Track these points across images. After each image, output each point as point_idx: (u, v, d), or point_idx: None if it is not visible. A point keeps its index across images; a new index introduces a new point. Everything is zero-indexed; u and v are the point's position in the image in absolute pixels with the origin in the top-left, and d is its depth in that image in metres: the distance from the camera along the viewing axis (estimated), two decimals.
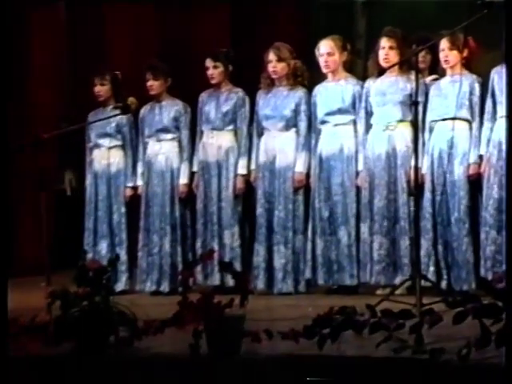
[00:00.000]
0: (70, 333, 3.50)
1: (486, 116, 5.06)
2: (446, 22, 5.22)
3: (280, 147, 5.51)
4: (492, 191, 4.97)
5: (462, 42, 5.01)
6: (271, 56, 5.52)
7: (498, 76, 4.99)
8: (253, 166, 5.60)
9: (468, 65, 5.13)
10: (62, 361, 3.47)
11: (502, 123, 4.95)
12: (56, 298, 3.56)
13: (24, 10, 7.09)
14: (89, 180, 6.01)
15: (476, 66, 5.16)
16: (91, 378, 3.43)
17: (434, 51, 5.16)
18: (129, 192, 5.89)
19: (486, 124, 5.06)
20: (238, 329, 3.35)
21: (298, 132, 5.51)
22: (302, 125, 5.50)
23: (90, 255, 5.76)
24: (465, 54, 5.08)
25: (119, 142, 5.93)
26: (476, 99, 5.09)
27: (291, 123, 5.51)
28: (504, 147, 4.93)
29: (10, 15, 6.83)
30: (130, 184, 5.89)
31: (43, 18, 7.22)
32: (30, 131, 6.68)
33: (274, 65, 5.51)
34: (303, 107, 5.49)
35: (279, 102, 5.53)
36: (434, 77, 5.25)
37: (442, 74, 5.19)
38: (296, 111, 5.50)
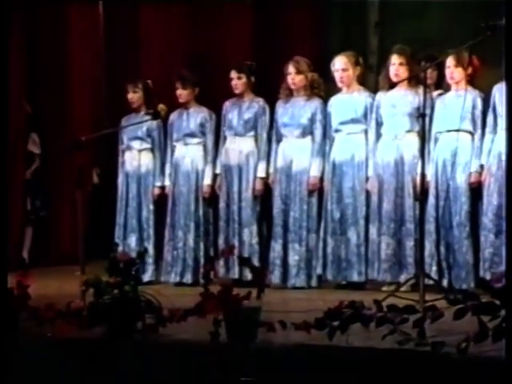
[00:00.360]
0: (102, 318, 3.51)
1: (488, 129, 5.03)
2: (452, 42, 5.22)
3: (296, 153, 5.50)
4: (491, 198, 4.93)
5: (466, 61, 5.00)
6: (290, 69, 5.51)
7: (499, 92, 4.96)
8: (271, 170, 5.59)
9: (472, 81, 5.10)
10: (94, 343, 3.49)
11: (502, 135, 4.91)
12: (89, 286, 3.56)
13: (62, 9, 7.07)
14: (120, 179, 6.01)
15: (479, 82, 5.13)
16: (120, 359, 3.44)
17: (440, 68, 5.14)
18: (157, 191, 5.88)
19: (488, 136, 5.03)
20: (254, 319, 3.35)
21: (313, 139, 5.49)
22: (318, 133, 5.49)
23: (120, 248, 5.77)
24: (469, 71, 5.06)
25: (149, 145, 5.93)
26: (478, 113, 5.06)
27: (307, 131, 5.50)
28: (503, 157, 4.89)
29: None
30: (158, 184, 5.89)
31: (82, 17, 7.13)
32: (69, 132, 6.73)
33: (293, 77, 5.50)
34: (319, 116, 5.48)
35: (297, 111, 5.52)
36: (439, 91, 5.22)
37: (446, 89, 5.17)
38: (312, 120, 5.48)
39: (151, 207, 5.90)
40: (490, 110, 5.02)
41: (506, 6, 3.47)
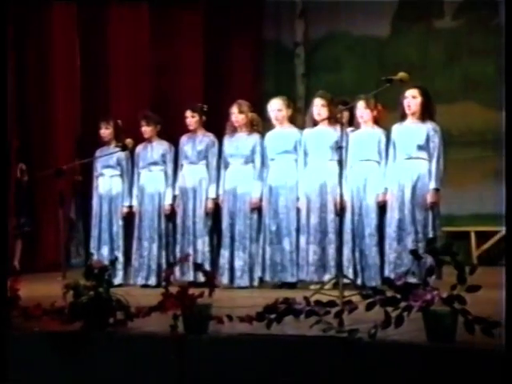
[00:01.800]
0: (80, 315, 3.46)
1: (390, 158, 5.10)
2: (362, 90, 5.35)
3: (241, 178, 5.51)
4: (394, 213, 4.99)
5: (373, 105, 5.10)
6: (234, 109, 5.53)
7: (396, 130, 5.06)
8: (220, 192, 5.59)
9: (377, 121, 5.18)
10: (74, 336, 3.44)
11: (400, 163, 5.01)
12: (70, 288, 3.50)
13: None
14: (95, 200, 5.95)
15: (382, 122, 5.22)
16: (95, 349, 3.40)
17: (352, 110, 5.20)
18: (125, 210, 5.85)
19: (389, 164, 5.10)
20: (206, 314, 3.33)
21: (254, 166, 5.51)
22: (257, 161, 5.50)
23: (95, 257, 5.72)
24: (375, 113, 5.15)
25: (118, 172, 5.89)
26: (383, 146, 5.12)
27: (249, 160, 5.51)
28: (401, 182, 4.99)
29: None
30: (127, 203, 5.85)
31: (62, 64, 6.95)
32: (52, 161, 6.58)
33: (236, 116, 5.52)
34: (258, 148, 5.50)
35: (240, 144, 5.54)
36: (352, 128, 5.28)
37: (357, 126, 5.23)
38: (253, 151, 5.50)
39: (120, 223, 5.86)
40: (391, 144, 5.09)
41: (506, 6, 3.42)
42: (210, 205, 5.61)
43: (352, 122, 5.31)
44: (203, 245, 5.58)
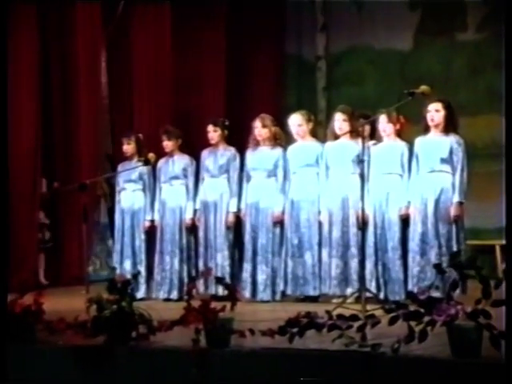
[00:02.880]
0: (103, 329, 3.49)
1: (412, 172, 5.08)
2: (384, 104, 5.35)
3: (263, 191, 5.53)
4: (416, 227, 4.97)
5: (395, 118, 5.11)
6: (257, 123, 5.56)
7: (419, 143, 5.05)
8: (243, 205, 5.59)
9: (399, 134, 5.18)
10: (97, 349, 3.47)
11: (423, 176, 4.99)
12: (93, 302, 3.55)
13: None
14: (117, 214, 6.00)
15: (405, 135, 5.22)
16: (118, 362, 3.42)
17: (373, 123, 5.19)
18: (147, 224, 5.88)
19: (412, 177, 5.08)
20: (228, 327, 3.34)
21: (276, 180, 5.53)
22: (280, 175, 5.52)
23: (117, 271, 5.76)
24: (397, 126, 5.15)
25: (140, 187, 5.93)
26: (405, 159, 5.11)
27: (272, 173, 5.53)
28: (424, 195, 4.98)
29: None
30: (149, 218, 5.88)
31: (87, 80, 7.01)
32: (76, 176, 6.68)
33: (260, 130, 5.55)
34: (280, 162, 5.51)
35: (263, 157, 5.55)
36: (373, 142, 5.28)
37: (378, 140, 5.24)
38: (275, 165, 5.51)
39: (143, 237, 5.89)
40: (414, 157, 5.07)
41: (505, 6, 3.43)
42: (231, 218, 5.62)
43: (373, 135, 5.31)
44: (223, 259, 5.59)
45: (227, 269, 5.57)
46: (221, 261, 5.58)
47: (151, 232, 5.89)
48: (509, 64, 3.15)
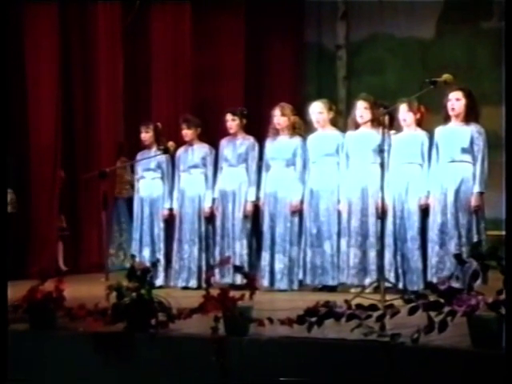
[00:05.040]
0: (123, 316, 3.52)
1: (432, 161, 5.04)
2: (404, 93, 5.30)
3: (282, 180, 5.50)
4: (436, 217, 4.93)
5: (415, 107, 5.06)
6: (276, 112, 5.53)
7: (440, 133, 5.01)
8: (261, 194, 5.58)
9: (419, 124, 5.13)
10: (117, 336, 3.50)
11: (444, 166, 4.95)
12: (113, 290, 3.58)
13: None
14: (136, 202, 6.02)
15: (425, 124, 5.17)
16: (137, 349, 3.45)
17: (392, 113, 5.12)
18: (166, 212, 5.88)
19: (432, 167, 5.04)
20: (247, 316, 3.35)
21: (295, 169, 5.50)
22: (299, 164, 5.49)
23: (137, 259, 5.80)
24: (418, 116, 5.10)
25: (159, 175, 5.94)
26: (425, 149, 5.07)
27: (290, 163, 5.50)
28: (444, 185, 4.93)
29: None
30: (167, 206, 5.88)
31: (105, 64, 6.98)
32: (95, 164, 6.68)
33: (279, 119, 5.52)
34: (299, 151, 5.49)
35: (282, 147, 5.53)
36: (393, 131, 5.23)
37: (398, 129, 5.19)
38: (294, 154, 5.49)
39: (161, 225, 5.90)
40: (434, 146, 5.04)
41: (505, 6, 3.40)
42: (249, 208, 5.62)
43: (392, 124, 5.26)
44: (241, 247, 5.59)
45: (245, 258, 5.57)
46: (239, 250, 5.58)
47: (170, 220, 5.90)
48: (509, 58, 3.11)
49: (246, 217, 5.61)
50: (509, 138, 3.00)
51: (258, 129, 5.84)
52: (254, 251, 5.60)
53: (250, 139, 5.73)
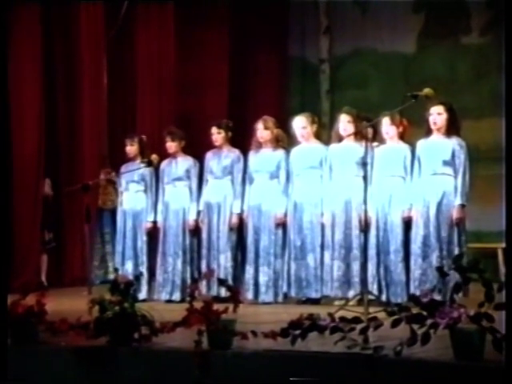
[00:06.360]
0: (106, 330, 3.49)
1: (415, 174, 5.08)
2: (387, 106, 5.35)
3: (266, 193, 5.53)
4: (418, 229, 4.97)
5: (398, 121, 5.12)
6: (259, 125, 5.56)
7: (421, 146, 5.05)
8: (245, 207, 5.60)
9: (402, 137, 5.18)
10: (99, 350, 3.48)
11: (426, 179, 4.99)
12: (95, 303, 3.55)
13: None
14: (119, 215, 6.01)
15: (408, 137, 5.21)
16: (120, 363, 3.42)
17: (374, 126, 5.16)
18: (149, 225, 5.88)
19: (414, 179, 5.08)
20: (230, 329, 3.34)
21: (279, 182, 5.53)
22: (282, 177, 5.52)
23: (120, 272, 5.75)
24: (400, 129, 5.15)
25: (143, 188, 5.94)
26: (408, 162, 5.11)
27: (274, 175, 5.53)
28: (426, 198, 4.97)
29: None
30: (150, 219, 5.88)
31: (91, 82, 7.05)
32: (78, 177, 6.69)
33: (262, 132, 5.55)
34: (283, 164, 5.52)
35: (265, 159, 5.56)
36: (376, 144, 5.26)
37: (380, 142, 5.23)
38: (278, 167, 5.52)
39: (144, 238, 5.89)
40: (416, 159, 5.07)
41: (505, 6, 3.43)
42: (235, 220, 5.63)
43: (374, 137, 5.29)
44: (226, 260, 5.60)
45: (230, 270, 5.57)
46: (224, 262, 5.58)
47: (153, 233, 5.89)
48: (509, 67, 3.15)
49: (231, 229, 5.62)
50: (509, 150, 3.02)
51: (242, 141, 5.86)
52: (240, 264, 5.60)
53: (236, 152, 5.76)
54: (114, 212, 6.70)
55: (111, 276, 6.96)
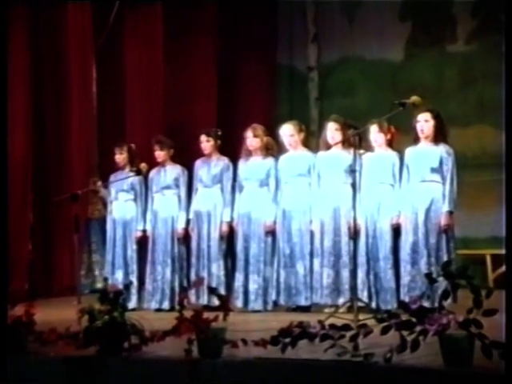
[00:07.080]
0: (95, 339, 3.48)
1: (403, 181, 5.10)
2: (375, 114, 5.38)
3: (255, 201, 5.53)
4: (407, 236, 4.99)
5: (386, 128, 5.14)
6: (249, 133, 5.56)
7: (410, 153, 5.08)
8: (235, 215, 5.60)
9: (390, 144, 5.21)
10: (89, 360, 3.45)
11: (414, 186, 5.02)
12: (85, 313, 3.54)
13: None
14: (109, 224, 5.99)
15: (396, 145, 5.24)
16: (110, 373, 3.40)
17: (362, 133, 5.13)
18: (139, 234, 5.87)
19: (403, 187, 5.10)
20: (221, 338, 3.33)
21: (268, 190, 5.53)
22: (272, 185, 5.52)
23: (109, 281, 5.74)
24: (388, 136, 5.18)
25: (132, 197, 5.93)
26: (396, 169, 5.13)
27: (264, 183, 5.53)
28: (415, 204, 5.00)
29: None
30: (140, 228, 5.87)
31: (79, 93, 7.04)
32: (67, 187, 6.67)
33: (251, 140, 5.55)
34: (272, 172, 5.52)
35: (255, 167, 5.56)
36: (363, 151, 5.27)
37: (367, 149, 5.25)
38: (267, 175, 5.52)
39: (134, 247, 5.88)
40: (404, 167, 5.10)
41: (505, 6, 3.45)
42: (225, 228, 5.62)
43: (361, 145, 5.28)
44: (218, 268, 5.59)
45: (222, 278, 5.57)
46: (216, 271, 5.58)
47: (143, 242, 5.88)
48: (508, 74, 3.17)
49: (221, 237, 5.62)
50: (509, 157, 3.04)
51: (231, 149, 5.86)
52: (230, 272, 5.59)
53: (225, 160, 5.76)
54: (100, 221, 6.68)
55: (99, 285, 6.94)
